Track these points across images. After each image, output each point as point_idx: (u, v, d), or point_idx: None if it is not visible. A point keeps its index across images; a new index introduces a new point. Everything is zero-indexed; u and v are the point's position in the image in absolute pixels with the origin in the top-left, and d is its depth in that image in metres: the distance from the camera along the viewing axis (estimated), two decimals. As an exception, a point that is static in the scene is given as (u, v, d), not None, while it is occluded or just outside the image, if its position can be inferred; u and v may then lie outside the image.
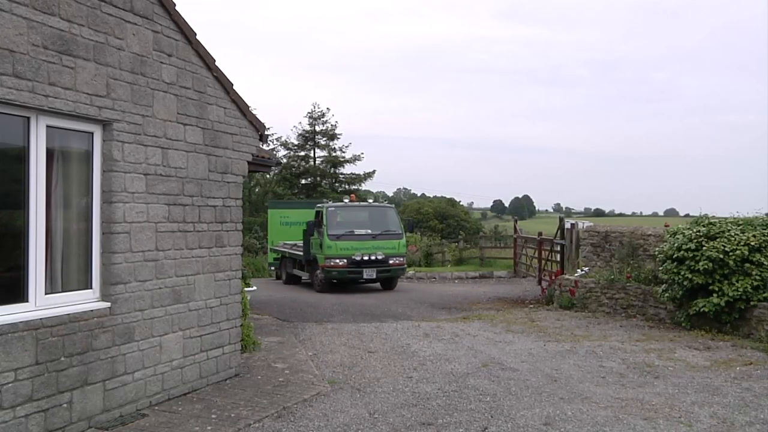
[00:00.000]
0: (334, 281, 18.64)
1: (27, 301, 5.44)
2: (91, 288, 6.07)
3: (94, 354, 5.87)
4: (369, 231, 18.81)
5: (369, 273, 18.29)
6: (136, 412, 6.31)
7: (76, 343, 5.69)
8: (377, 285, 20.02)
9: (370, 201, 21.28)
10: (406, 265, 19.73)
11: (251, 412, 6.50)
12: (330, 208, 18.81)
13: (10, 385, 5.09)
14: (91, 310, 5.89)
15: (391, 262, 18.60)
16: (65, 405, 5.57)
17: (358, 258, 18.06)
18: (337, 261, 18.01)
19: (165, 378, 6.75)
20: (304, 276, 20.51)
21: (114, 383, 6.09)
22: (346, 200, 19.99)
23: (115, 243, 6.14)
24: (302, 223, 22.69)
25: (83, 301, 5.94)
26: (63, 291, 5.82)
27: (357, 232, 18.56)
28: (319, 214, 19.02)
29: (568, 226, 17.58)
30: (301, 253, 19.89)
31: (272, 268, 25.22)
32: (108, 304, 6.06)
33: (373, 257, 18.25)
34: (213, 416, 6.34)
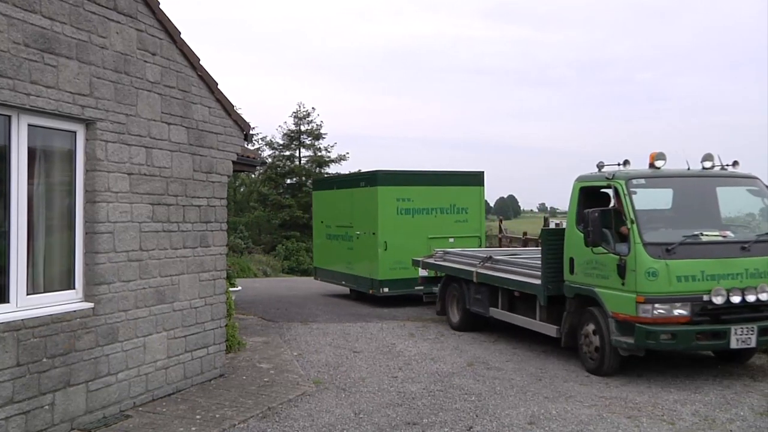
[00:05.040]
0: (638, 351, 7.94)
1: (8, 302, 5.38)
2: (74, 288, 6.02)
3: (77, 355, 5.82)
4: (729, 233, 8.24)
5: (743, 337, 7.69)
6: (119, 413, 6.26)
7: (59, 344, 5.63)
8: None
9: (708, 166, 8.85)
10: None
11: (236, 412, 6.47)
12: (634, 182, 8.20)
13: (-9, 386, 5.03)
14: (74, 311, 5.84)
15: None
16: (47, 407, 5.51)
17: (719, 300, 7.67)
18: (671, 308, 7.60)
19: (149, 378, 6.71)
20: (518, 321, 10.03)
21: (97, 384, 6.04)
22: (660, 164, 8.55)
23: (98, 243, 6.09)
24: (432, 210, 14.81)
25: (66, 301, 5.89)
26: (45, 291, 5.77)
27: (705, 237, 8.00)
28: (601, 196, 9.00)
29: (552, 225, 17.67)
30: (521, 279, 9.68)
31: (381, 287, 14.36)
32: (91, 305, 6.01)
33: (750, 297, 7.78)
34: (197, 417, 6.30)
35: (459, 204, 15.30)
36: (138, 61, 6.53)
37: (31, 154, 5.61)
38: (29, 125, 5.53)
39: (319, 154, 44.94)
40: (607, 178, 8.43)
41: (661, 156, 8.52)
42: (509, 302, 10.32)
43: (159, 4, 6.76)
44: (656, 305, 7.57)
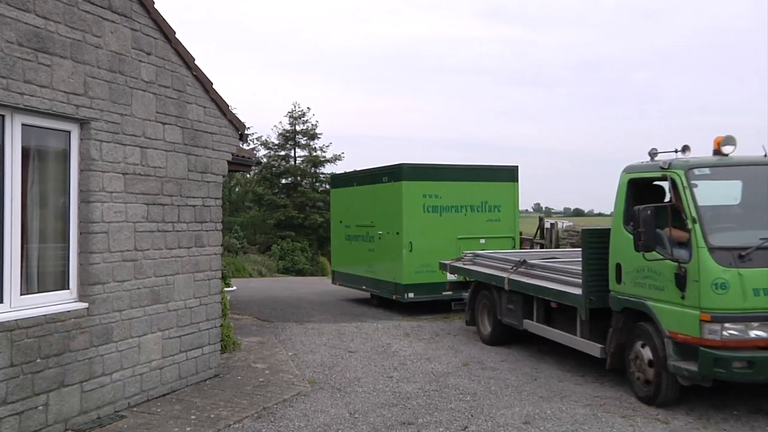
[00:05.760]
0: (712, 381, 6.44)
1: (1, 302, 5.36)
2: (68, 288, 6.00)
3: (72, 355, 5.80)
4: None
5: None
6: (114, 414, 6.25)
7: (53, 344, 5.61)
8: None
9: None
10: None
11: (231, 412, 6.46)
12: (696, 172, 6.85)
13: (-16, 387, 5.01)
14: (68, 311, 5.82)
15: None
16: (41, 407, 5.49)
17: None
18: (746, 329, 6.20)
19: (144, 379, 6.69)
20: (555, 337, 8.69)
21: (92, 384, 6.02)
22: (728, 150, 7.08)
23: (92, 243, 6.07)
24: (462, 208, 13.63)
25: (60, 301, 5.87)
26: (39, 291, 5.75)
27: None
28: (654, 190, 7.56)
29: (547, 225, 17.77)
30: (559, 289, 8.34)
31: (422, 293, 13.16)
32: (86, 305, 5.99)
33: None
34: (192, 417, 6.29)
35: (491, 201, 14.02)
36: (133, 61, 6.51)
37: (25, 153, 5.59)
38: (23, 125, 5.51)
39: (315, 154, 44.92)
40: (662, 168, 6.99)
41: (729, 140, 7.04)
42: (546, 314, 8.96)
43: (154, 3, 6.75)
44: (726, 325, 6.12)
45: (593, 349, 7.76)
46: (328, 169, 44.85)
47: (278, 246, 36.87)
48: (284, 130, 44.95)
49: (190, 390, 7.23)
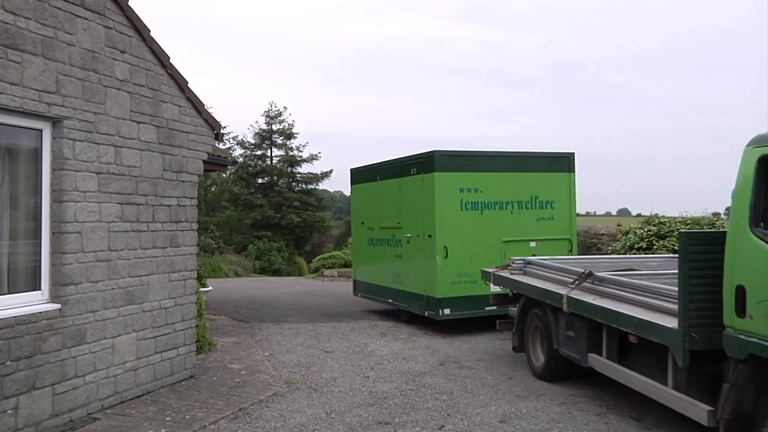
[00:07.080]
0: None
1: (-29, 304, 5.26)
2: (40, 289, 5.91)
3: (43, 357, 5.71)
4: None
5: None
6: (87, 416, 6.16)
7: (24, 346, 5.52)
8: (331, 286, 17.64)
9: None
10: None
11: (207, 413, 6.42)
12: None
13: (-47, 390, 4.91)
14: (40, 312, 5.73)
15: None
16: (10, 411, 5.40)
17: None
18: None
19: (118, 380, 6.61)
20: (635, 384, 6.22)
21: (64, 387, 5.93)
22: None
23: (65, 243, 5.98)
24: (507, 205, 11.38)
25: (31, 302, 5.77)
26: (10, 293, 5.65)
27: None
28: None
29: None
30: (641, 317, 5.77)
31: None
32: (58, 306, 5.90)
33: None
34: (167, 418, 6.23)
35: (542, 196, 11.69)
36: (106, 59, 6.43)
37: (-5, 152, 5.49)
38: (-7, 123, 5.42)
39: (291, 153, 44.83)
40: None
41: None
42: (620, 348, 6.59)
43: (128, 1, 6.67)
44: None
45: (695, 411, 5.27)
46: (304, 168, 44.86)
47: (254, 246, 36.74)
48: (260, 129, 44.81)
49: (165, 391, 7.16)
